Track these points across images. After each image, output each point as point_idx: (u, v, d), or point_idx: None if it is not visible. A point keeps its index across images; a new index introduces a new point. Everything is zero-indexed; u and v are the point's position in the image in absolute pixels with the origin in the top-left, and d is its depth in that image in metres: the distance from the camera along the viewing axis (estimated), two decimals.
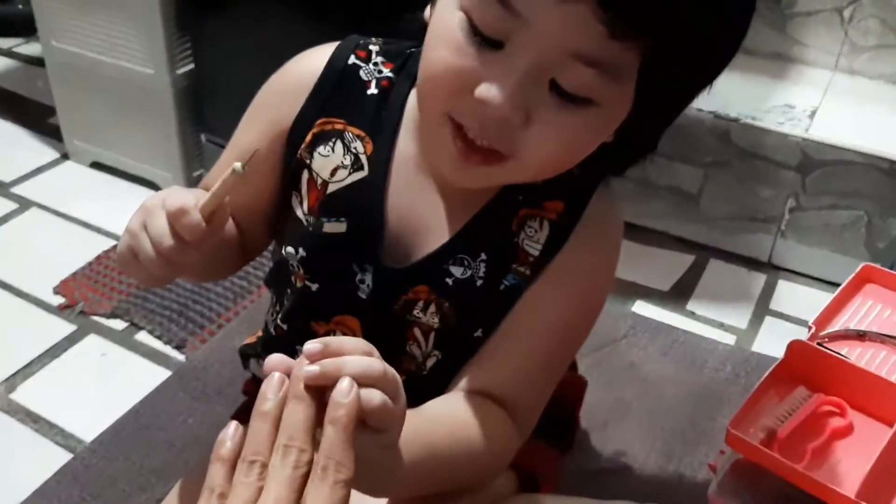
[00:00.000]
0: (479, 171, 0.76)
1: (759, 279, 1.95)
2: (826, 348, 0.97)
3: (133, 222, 0.75)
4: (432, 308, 0.87)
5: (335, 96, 0.86)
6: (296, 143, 0.87)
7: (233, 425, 0.60)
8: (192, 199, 0.71)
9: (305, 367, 0.59)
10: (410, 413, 0.66)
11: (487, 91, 0.69)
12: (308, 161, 0.87)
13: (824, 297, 1.83)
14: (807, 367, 0.95)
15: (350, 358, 0.61)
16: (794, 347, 0.96)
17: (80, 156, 2.20)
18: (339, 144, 0.86)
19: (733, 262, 2.00)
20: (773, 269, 1.98)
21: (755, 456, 0.89)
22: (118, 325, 1.69)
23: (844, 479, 0.86)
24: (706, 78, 0.75)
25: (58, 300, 1.74)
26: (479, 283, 0.86)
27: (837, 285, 1.84)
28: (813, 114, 1.91)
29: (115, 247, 1.87)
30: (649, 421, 1.32)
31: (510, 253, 0.86)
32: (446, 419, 0.81)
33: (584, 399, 1.19)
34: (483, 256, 0.86)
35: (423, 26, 0.78)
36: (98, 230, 1.96)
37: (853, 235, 1.88)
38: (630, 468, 1.25)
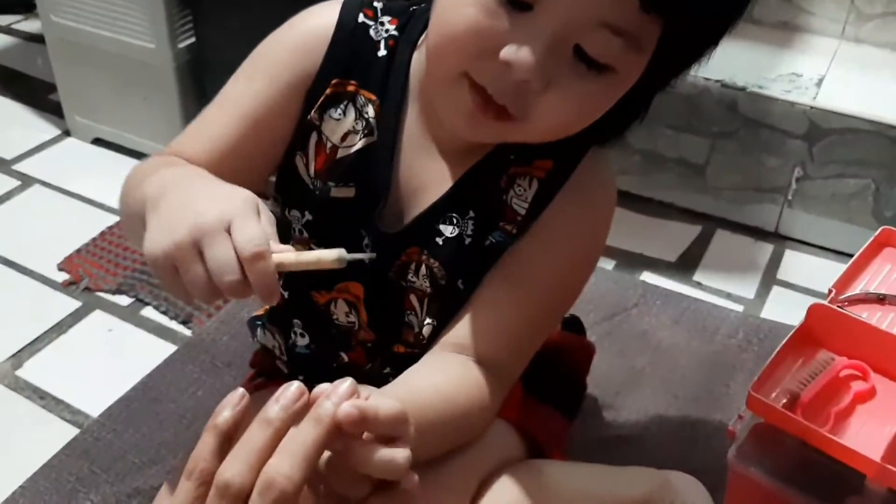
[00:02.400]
0: (492, 125, 0.75)
1: (766, 249, 1.94)
2: (847, 311, 0.96)
3: (183, 234, 0.63)
4: (423, 270, 0.87)
5: (348, 57, 0.84)
6: (310, 103, 0.85)
7: (238, 392, 0.58)
8: (262, 236, 0.62)
9: (347, 404, 0.56)
10: (405, 398, 0.65)
11: (514, 54, 0.69)
12: (318, 123, 0.85)
13: (831, 267, 1.85)
14: (828, 330, 0.94)
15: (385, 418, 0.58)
16: (814, 311, 0.95)
17: (81, 132, 2.18)
18: (350, 108, 0.85)
19: (740, 232, 1.98)
20: (780, 239, 1.97)
21: (778, 420, 0.89)
22: (123, 300, 1.68)
23: (869, 442, 0.85)
24: (714, 44, 0.75)
25: (62, 277, 1.73)
26: (468, 241, 0.86)
27: (845, 254, 1.85)
28: (820, 82, 1.90)
29: (118, 223, 1.86)
30: (662, 388, 1.32)
31: (498, 210, 0.86)
32: (438, 398, 0.80)
33: (591, 365, 1.19)
34: (471, 214, 0.85)
35: None
36: (101, 206, 1.95)
37: (860, 204, 1.86)
38: (643, 435, 1.25)
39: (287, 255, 0.63)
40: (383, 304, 0.91)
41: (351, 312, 0.92)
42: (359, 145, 0.85)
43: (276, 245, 0.63)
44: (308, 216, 0.88)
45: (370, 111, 0.84)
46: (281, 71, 0.84)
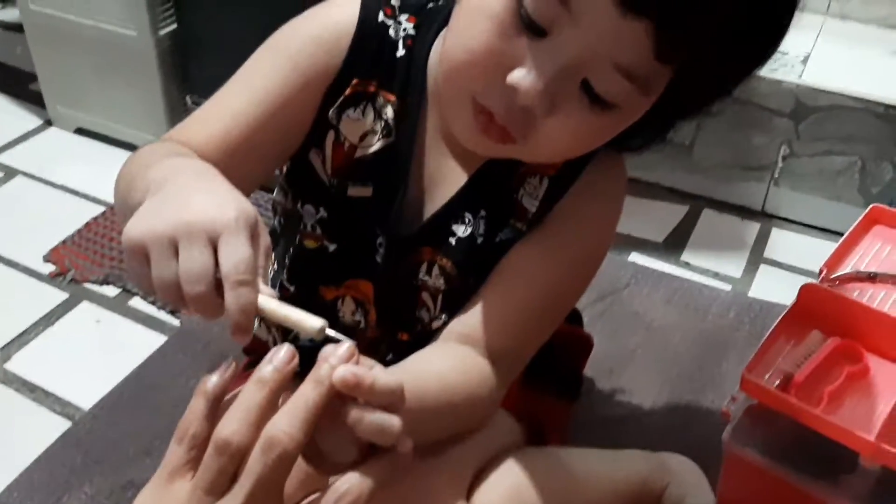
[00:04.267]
0: (494, 145, 0.77)
1: (753, 228, 1.95)
2: (838, 291, 0.97)
3: (164, 226, 0.59)
4: (435, 269, 0.88)
5: (370, 57, 0.84)
6: (329, 100, 0.84)
7: (225, 364, 0.59)
8: (252, 264, 0.59)
9: (342, 368, 0.56)
10: (404, 379, 0.64)
11: (521, 79, 0.69)
12: (336, 122, 0.85)
13: (818, 244, 1.85)
14: (820, 310, 0.95)
15: (381, 388, 0.58)
16: (806, 291, 0.95)
17: (64, 122, 2.16)
18: (369, 109, 0.84)
19: (727, 211, 1.99)
20: (767, 218, 1.97)
21: (772, 401, 0.89)
22: (111, 291, 1.67)
23: (863, 421, 0.86)
24: (727, 93, 0.78)
25: (48, 268, 1.71)
26: (479, 239, 0.87)
27: (832, 232, 1.86)
28: (806, 59, 1.90)
29: (104, 213, 1.85)
30: (655, 368, 1.33)
31: (509, 208, 0.87)
32: (436, 381, 0.81)
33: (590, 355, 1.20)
34: (483, 213, 0.86)
35: None
36: (86, 196, 1.93)
37: (847, 181, 1.87)
38: (638, 415, 1.26)
39: (271, 301, 0.59)
40: (393, 302, 0.91)
41: (357, 311, 0.92)
42: (377, 146, 0.85)
43: (262, 285, 0.60)
44: (323, 213, 0.88)
45: (389, 112, 0.84)
46: (304, 60, 0.83)
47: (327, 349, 0.57)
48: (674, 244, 1.88)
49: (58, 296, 1.65)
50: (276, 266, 0.98)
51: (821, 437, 0.88)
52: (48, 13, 1.98)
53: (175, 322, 1.59)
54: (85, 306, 1.63)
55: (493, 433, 0.94)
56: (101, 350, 1.54)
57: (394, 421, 0.58)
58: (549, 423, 1.07)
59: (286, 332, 0.99)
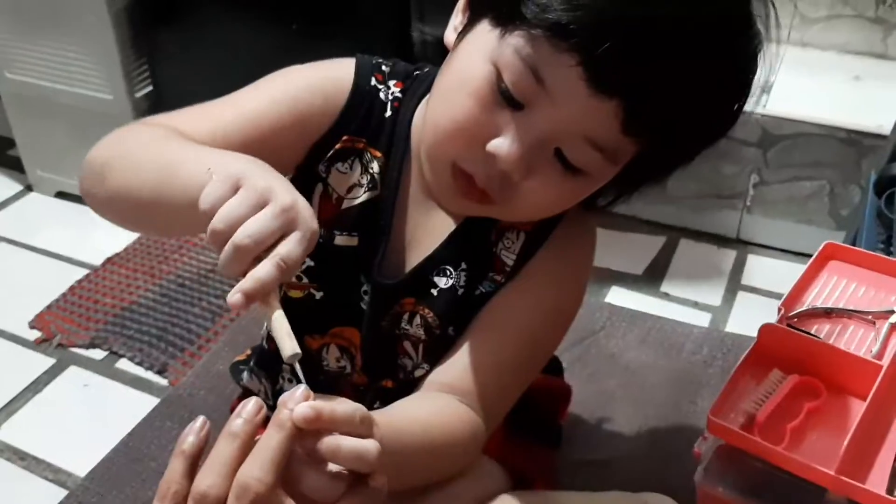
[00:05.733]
0: (474, 206, 0.82)
1: (730, 255, 1.98)
2: (796, 329, 0.99)
3: (268, 182, 0.64)
4: (417, 319, 0.91)
5: (361, 117, 0.89)
6: (319, 154, 0.88)
7: (199, 420, 0.62)
8: (298, 265, 0.64)
9: (301, 405, 0.59)
10: (383, 421, 0.68)
11: (500, 146, 0.75)
12: (324, 175, 0.89)
13: (793, 268, 1.88)
14: (779, 349, 0.97)
15: (342, 414, 0.61)
16: (765, 331, 0.97)
17: (44, 186, 2.19)
18: (357, 164, 0.89)
19: (703, 240, 2.03)
20: (742, 245, 2.01)
21: (736, 441, 0.91)
22: (97, 354, 1.69)
23: (824, 455, 0.87)
24: (689, 160, 0.85)
25: (34, 334, 1.74)
26: (460, 291, 0.90)
27: (805, 255, 1.89)
28: (769, 89, 1.93)
29: (88, 276, 1.87)
30: (633, 409, 1.35)
31: (488, 262, 0.91)
32: (417, 424, 0.83)
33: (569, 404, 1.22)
34: (464, 266, 0.90)
35: (436, 42, 0.85)
36: (69, 260, 1.95)
37: (817, 205, 1.91)
38: (619, 457, 1.27)
39: (279, 307, 0.63)
40: (378, 349, 0.94)
41: (342, 358, 0.95)
42: (363, 198, 0.89)
43: (276, 299, 0.64)
44: (309, 262, 0.91)
45: (375, 167, 0.89)
46: (303, 100, 0.87)
47: (284, 395, 0.61)
48: (653, 276, 1.91)
49: (45, 362, 1.67)
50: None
51: (789, 474, 0.89)
52: (24, 81, 2.01)
53: (163, 382, 1.61)
54: (72, 371, 1.65)
55: (479, 479, 0.96)
56: (90, 414, 1.56)
57: (370, 445, 0.61)
58: (534, 470, 1.09)
59: (274, 384, 1.03)
